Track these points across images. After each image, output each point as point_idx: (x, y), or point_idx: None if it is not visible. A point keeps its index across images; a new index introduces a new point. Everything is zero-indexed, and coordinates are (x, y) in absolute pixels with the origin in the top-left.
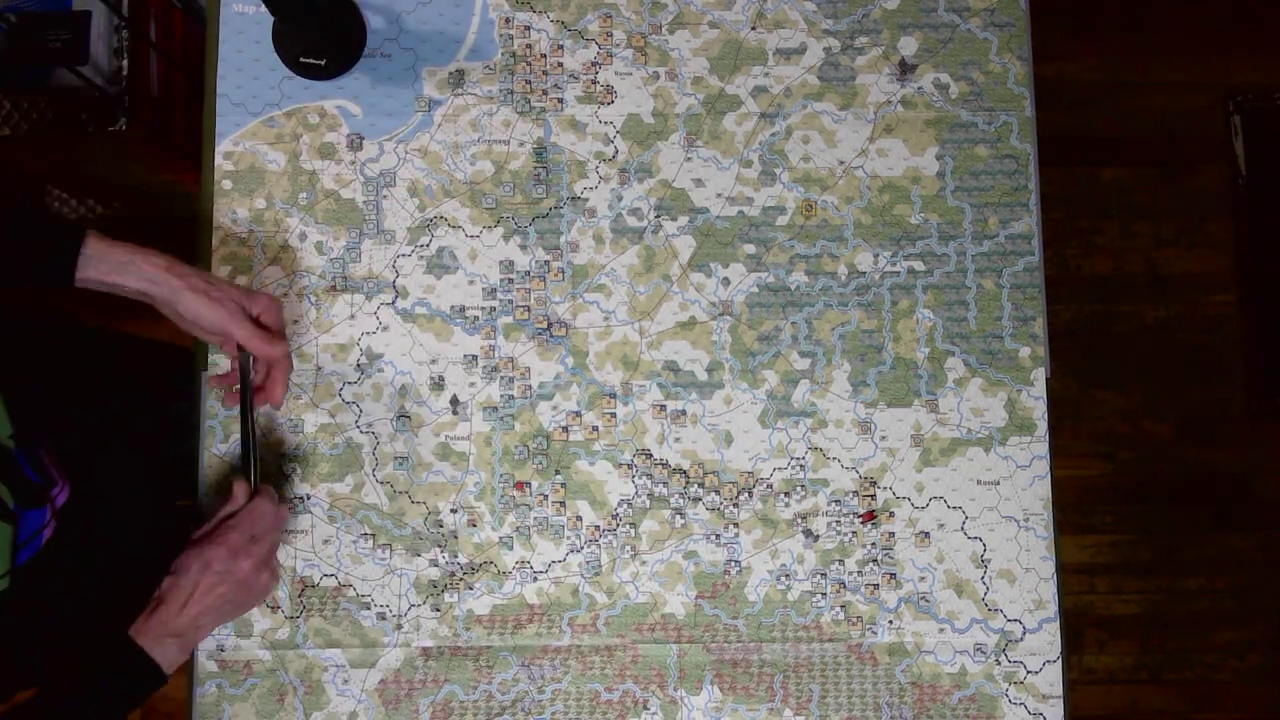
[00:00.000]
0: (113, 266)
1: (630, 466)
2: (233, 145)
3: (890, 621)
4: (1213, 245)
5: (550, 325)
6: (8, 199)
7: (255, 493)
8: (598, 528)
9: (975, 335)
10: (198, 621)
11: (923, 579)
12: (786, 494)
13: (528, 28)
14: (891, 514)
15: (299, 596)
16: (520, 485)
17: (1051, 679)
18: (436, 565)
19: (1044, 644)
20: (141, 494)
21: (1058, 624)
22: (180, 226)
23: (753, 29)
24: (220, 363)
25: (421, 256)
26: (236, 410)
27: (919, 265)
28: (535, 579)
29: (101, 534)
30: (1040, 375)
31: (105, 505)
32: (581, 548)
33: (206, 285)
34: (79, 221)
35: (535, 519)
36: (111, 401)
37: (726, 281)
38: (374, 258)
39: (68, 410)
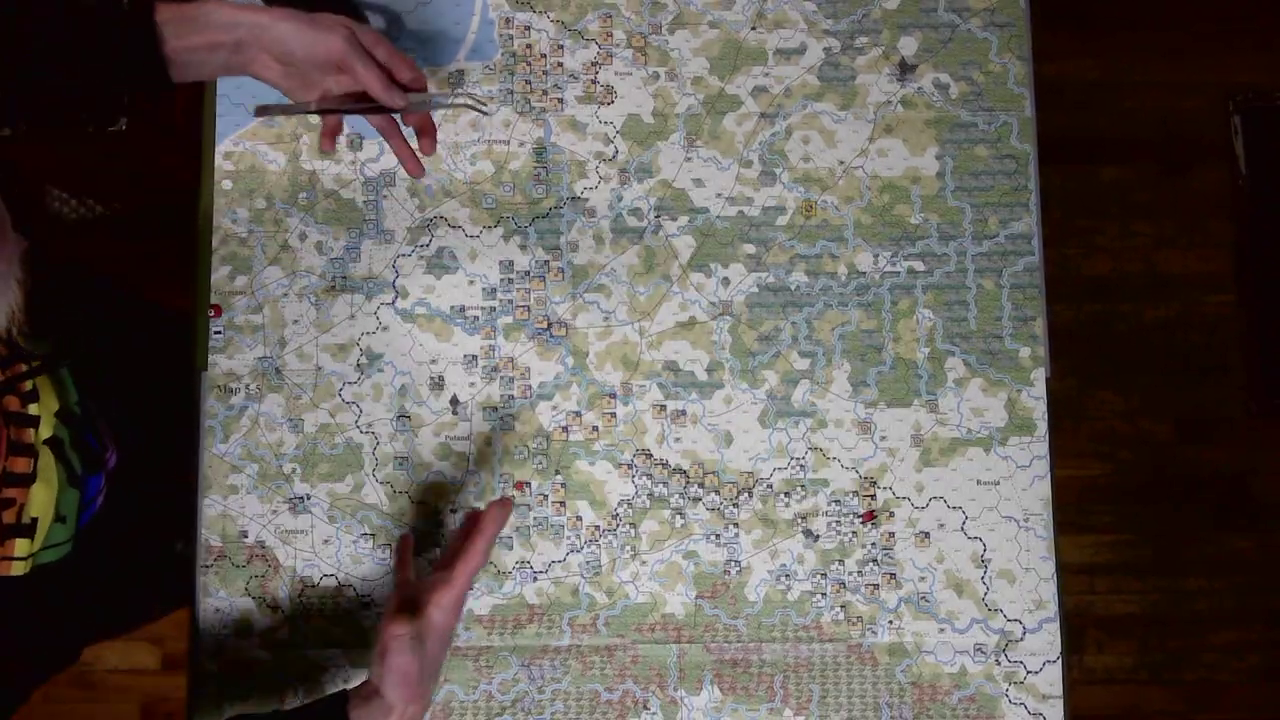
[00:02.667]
0: (191, 26)
1: (630, 466)
2: (233, 145)
3: (890, 621)
4: (1213, 245)
5: (550, 325)
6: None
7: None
8: (598, 528)
9: (975, 335)
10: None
11: (923, 579)
12: (786, 494)
13: (528, 28)
14: (891, 514)
15: (299, 596)
16: (520, 485)
17: (1051, 679)
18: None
19: (1044, 644)
20: (176, 458)
21: (1058, 624)
22: (180, 226)
23: (753, 29)
24: (218, 362)
25: (421, 256)
26: (237, 410)
27: (919, 265)
28: (535, 579)
29: (144, 496)
30: (1040, 375)
31: (146, 468)
32: (581, 548)
33: (302, 14)
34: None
35: (535, 519)
36: (144, 364)
37: (726, 281)
38: (374, 258)
39: (113, 375)
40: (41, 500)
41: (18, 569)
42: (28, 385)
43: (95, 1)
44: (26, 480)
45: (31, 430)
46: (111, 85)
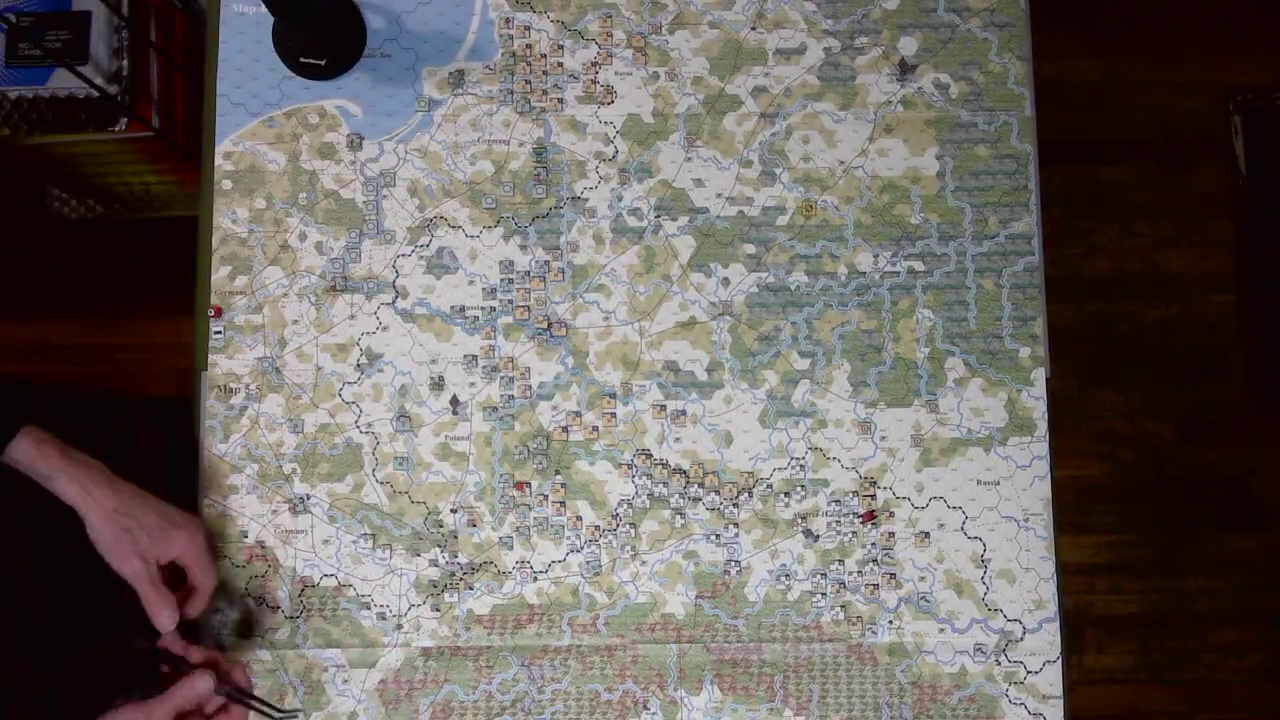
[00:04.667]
0: (37, 475)
1: (630, 466)
2: (233, 145)
3: (890, 621)
4: (1213, 245)
5: (550, 325)
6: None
7: None
8: (598, 528)
9: (975, 335)
10: None
11: (923, 579)
12: (786, 494)
13: (528, 28)
14: (891, 514)
15: (299, 596)
16: (520, 485)
17: (1051, 679)
18: (436, 565)
19: (1044, 644)
20: (95, 613)
21: (1058, 624)
22: (180, 226)
23: (753, 29)
24: (218, 362)
25: (421, 256)
26: (237, 410)
27: (919, 265)
28: (535, 579)
29: (47, 653)
30: (1040, 375)
31: (55, 622)
32: (581, 548)
33: (122, 518)
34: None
35: (535, 519)
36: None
37: (726, 281)
38: (374, 258)
39: (20, 512)
40: None
41: None
42: None
43: None
44: None
45: None
46: None
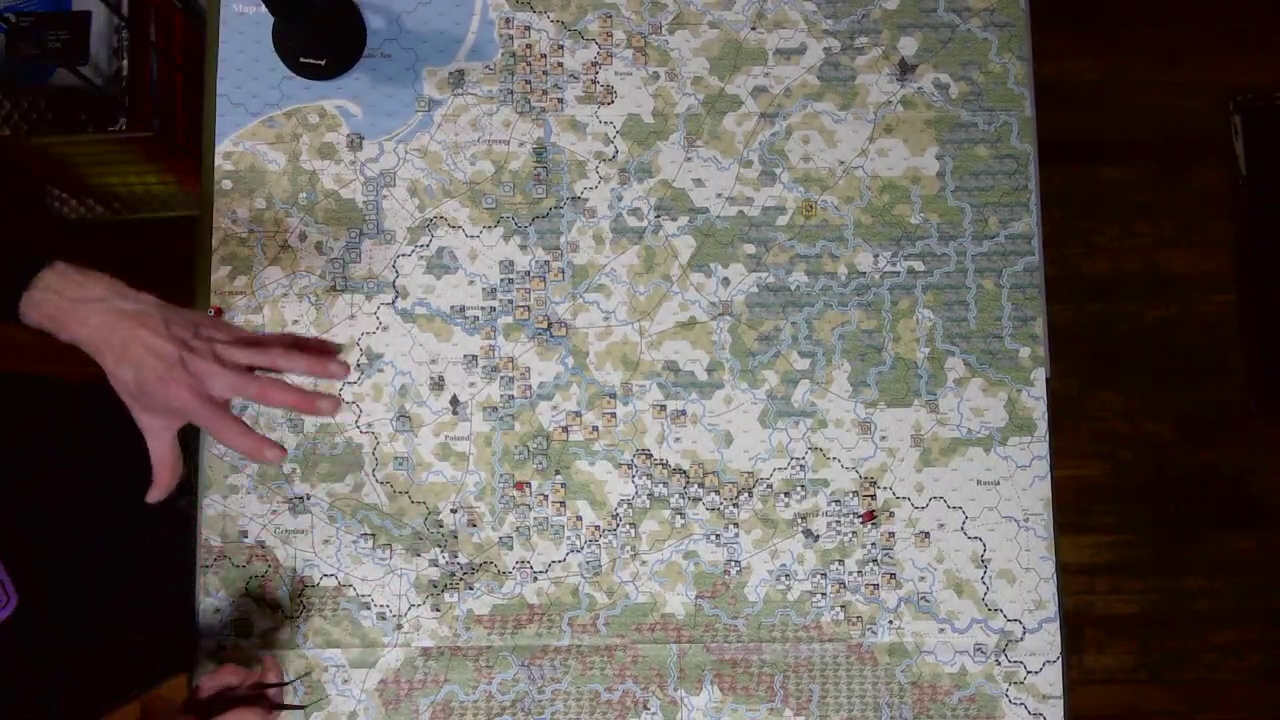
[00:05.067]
0: (67, 303)
1: (630, 466)
2: (233, 145)
3: (890, 621)
4: (1213, 245)
5: (550, 325)
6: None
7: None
8: (598, 528)
9: (975, 335)
10: None
11: (923, 579)
12: (786, 494)
13: (528, 28)
14: (891, 514)
15: (299, 596)
16: (520, 485)
17: (1051, 679)
18: (436, 565)
19: (1044, 644)
20: (96, 612)
21: (1058, 624)
22: (180, 226)
23: (753, 29)
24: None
25: (421, 256)
26: (237, 410)
27: (919, 265)
28: (535, 579)
29: (47, 654)
30: (1040, 375)
31: (55, 622)
32: (581, 548)
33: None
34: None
35: (535, 519)
36: (69, 498)
37: (726, 281)
38: (374, 258)
39: (20, 511)
40: None
41: None
42: None
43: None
44: None
45: None
46: None
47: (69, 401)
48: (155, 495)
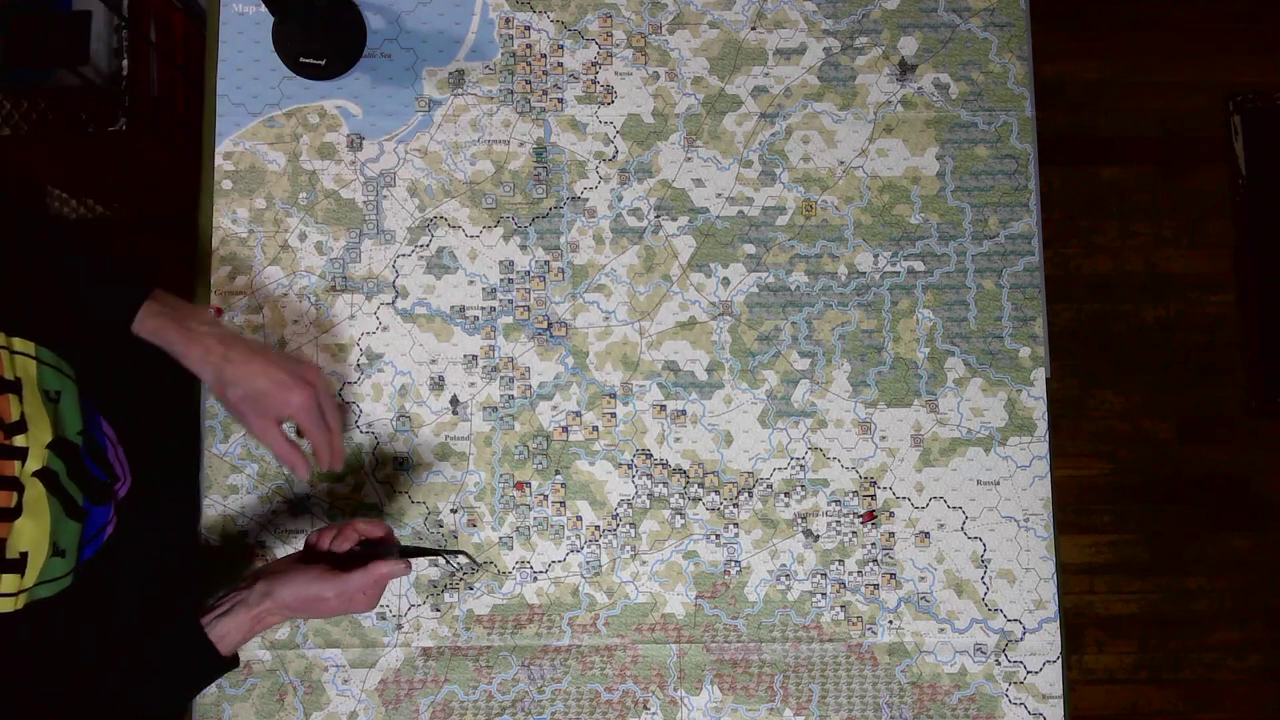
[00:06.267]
0: (164, 341)
1: (630, 466)
2: (233, 145)
3: (890, 621)
4: (1213, 245)
5: (550, 325)
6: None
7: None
8: (598, 528)
9: (975, 335)
10: (264, 627)
11: (923, 579)
12: (786, 494)
13: (528, 28)
14: (891, 514)
15: None
16: (520, 485)
17: (1051, 679)
18: (436, 565)
19: (1044, 644)
20: (192, 488)
21: (1058, 624)
22: (180, 226)
23: (753, 29)
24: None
25: (421, 256)
26: None
27: (919, 265)
28: (535, 579)
29: (157, 528)
30: (1040, 375)
31: (160, 498)
32: (581, 548)
33: (277, 365)
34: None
35: (535, 519)
36: (166, 390)
37: (726, 281)
38: (374, 258)
39: (130, 403)
40: (30, 534)
41: (6, 605)
42: (14, 415)
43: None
44: (9, 515)
45: (16, 463)
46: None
47: None
48: (304, 474)
